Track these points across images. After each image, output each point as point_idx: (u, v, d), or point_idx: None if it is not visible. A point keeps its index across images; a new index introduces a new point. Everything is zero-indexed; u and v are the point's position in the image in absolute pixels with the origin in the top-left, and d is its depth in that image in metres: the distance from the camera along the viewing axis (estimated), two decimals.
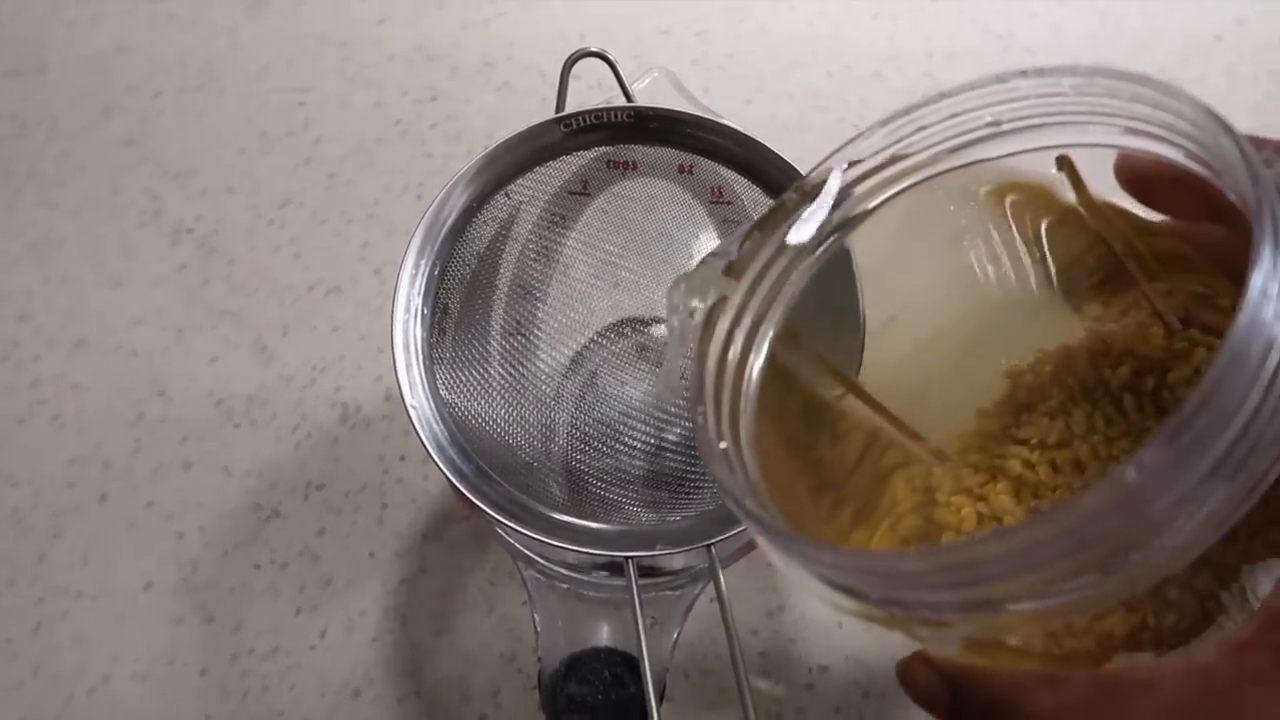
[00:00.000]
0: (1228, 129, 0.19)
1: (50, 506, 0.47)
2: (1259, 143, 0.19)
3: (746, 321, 0.26)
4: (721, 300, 0.26)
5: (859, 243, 0.28)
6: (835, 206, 0.27)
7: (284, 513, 0.47)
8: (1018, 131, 0.23)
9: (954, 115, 0.24)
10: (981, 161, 0.25)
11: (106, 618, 0.45)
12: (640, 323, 0.41)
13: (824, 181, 0.27)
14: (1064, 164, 0.23)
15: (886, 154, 0.26)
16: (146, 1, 0.60)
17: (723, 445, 0.23)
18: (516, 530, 0.31)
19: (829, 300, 0.30)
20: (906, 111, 0.25)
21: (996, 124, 0.24)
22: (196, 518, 0.47)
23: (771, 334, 0.26)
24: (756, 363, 0.26)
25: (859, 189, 0.27)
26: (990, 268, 0.27)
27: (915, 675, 0.22)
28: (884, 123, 0.25)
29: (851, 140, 0.26)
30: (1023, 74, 0.22)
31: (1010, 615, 0.18)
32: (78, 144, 0.56)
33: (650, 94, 0.41)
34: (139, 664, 0.44)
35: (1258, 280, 0.16)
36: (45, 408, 0.49)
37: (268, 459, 0.48)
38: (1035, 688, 0.20)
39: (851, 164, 0.26)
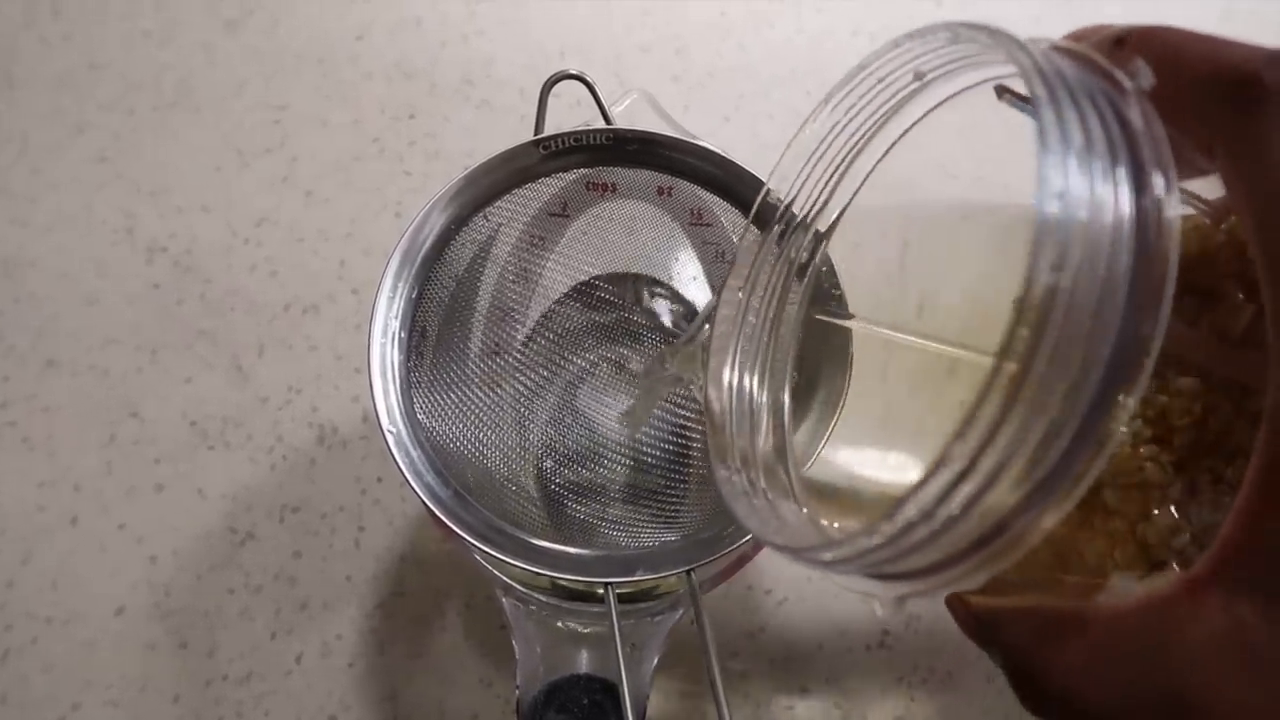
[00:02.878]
0: (1015, 41, 0.19)
1: (19, 530, 0.46)
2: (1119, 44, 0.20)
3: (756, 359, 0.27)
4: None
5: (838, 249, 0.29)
6: (796, 228, 0.28)
7: (259, 535, 0.47)
8: (943, 77, 0.23)
9: (881, 79, 0.24)
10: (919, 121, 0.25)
11: (77, 644, 0.45)
12: (620, 345, 0.41)
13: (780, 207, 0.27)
14: (1002, 92, 0.23)
15: (832, 152, 0.26)
16: (120, 18, 0.59)
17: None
18: (494, 556, 0.31)
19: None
20: (842, 85, 0.25)
21: (921, 75, 0.24)
22: (169, 541, 0.47)
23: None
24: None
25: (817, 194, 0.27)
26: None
27: (954, 609, 0.23)
28: (825, 102, 0.25)
29: (797, 135, 0.26)
30: (907, 35, 0.22)
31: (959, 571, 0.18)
32: (49, 161, 0.55)
33: (629, 115, 0.41)
34: (110, 691, 0.44)
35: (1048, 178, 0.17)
36: (14, 429, 0.48)
37: (243, 481, 0.48)
38: (1013, 620, 0.21)
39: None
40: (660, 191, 0.39)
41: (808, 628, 0.46)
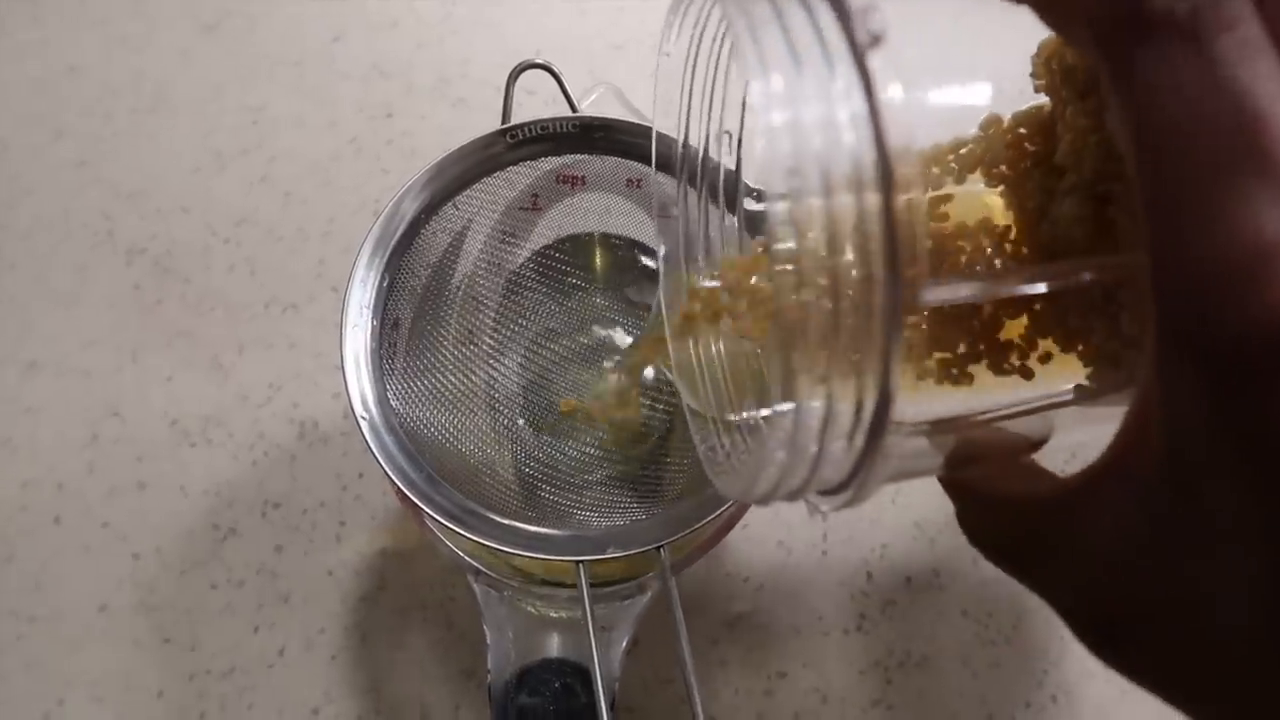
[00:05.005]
0: None
1: (2, 530, 0.47)
2: None
3: None
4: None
5: None
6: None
7: (241, 531, 0.47)
8: None
9: None
10: None
11: (61, 641, 0.45)
12: (590, 329, 0.41)
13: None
14: None
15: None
16: (97, 23, 0.60)
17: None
18: (466, 537, 0.31)
19: None
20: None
21: None
22: (152, 538, 0.47)
23: None
24: None
25: None
26: None
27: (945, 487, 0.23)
28: (670, 25, 0.24)
29: (658, 65, 0.25)
30: None
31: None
32: (28, 166, 0.55)
33: (598, 108, 0.42)
34: (95, 688, 0.44)
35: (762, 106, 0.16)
36: None
37: (224, 478, 0.48)
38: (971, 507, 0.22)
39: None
40: (629, 183, 0.40)
41: (785, 613, 0.46)
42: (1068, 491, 0.18)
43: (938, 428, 0.21)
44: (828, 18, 0.17)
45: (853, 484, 0.19)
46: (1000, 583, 0.47)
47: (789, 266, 0.17)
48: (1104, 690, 0.45)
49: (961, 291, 0.19)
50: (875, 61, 0.16)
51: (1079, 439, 0.20)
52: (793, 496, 0.20)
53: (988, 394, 0.20)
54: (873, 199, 0.16)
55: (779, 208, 0.16)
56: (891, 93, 0.16)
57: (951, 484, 0.22)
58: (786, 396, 0.17)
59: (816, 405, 0.17)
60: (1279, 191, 0.14)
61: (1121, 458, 0.17)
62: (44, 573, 0.46)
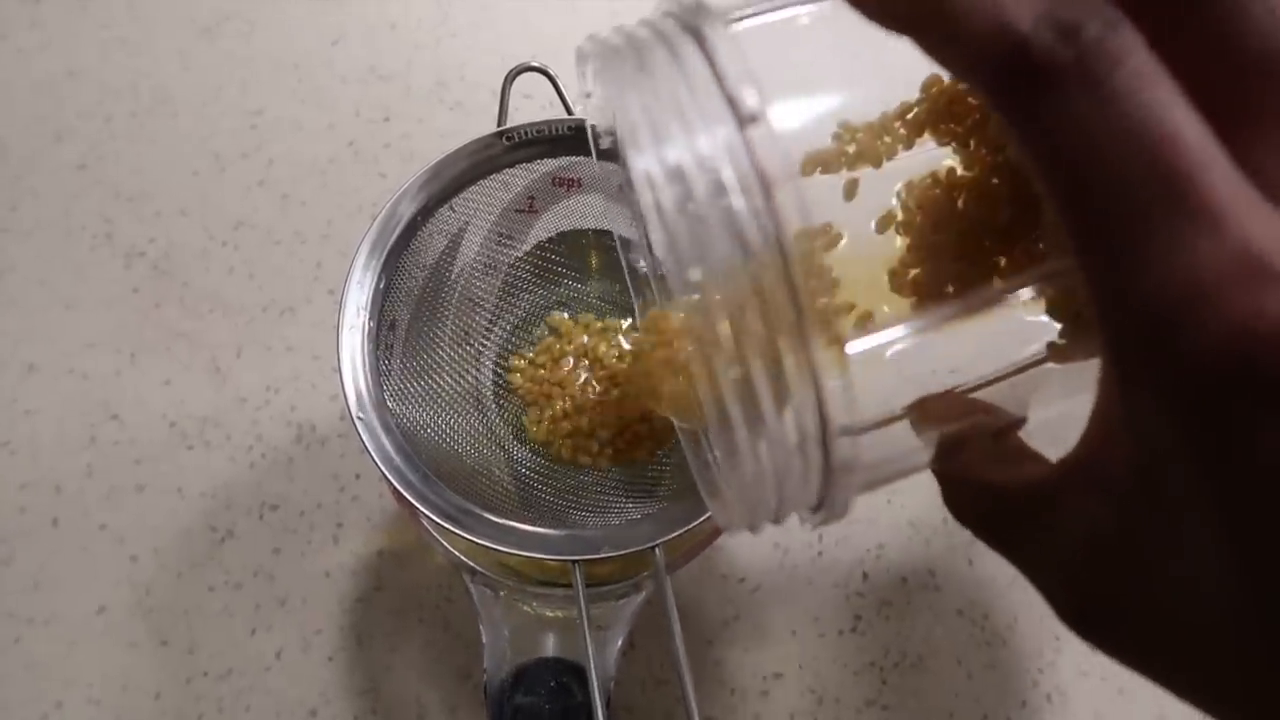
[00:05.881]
0: None
1: (0, 532, 0.47)
2: None
3: None
4: None
5: None
6: None
7: (238, 533, 0.47)
8: None
9: None
10: None
11: (58, 643, 0.45)
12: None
13: None
14: None
15: None
16: (97, 27, 0.60)
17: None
18: (462, 537, 0.31)
19: None
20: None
21: None
22: (150, 540, 0.47)
23: None
24: None
25: None
26: None
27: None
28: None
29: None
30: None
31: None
32: (28, 168, 0.55)
33: None
34: (92, 689, 0.44)
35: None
36: None
37: (222, 480, 0.48)
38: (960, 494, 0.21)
39: None
40: (623, 187, 0.40)
41: (781, 614, 0.46)
42: (1047, 480, 0.19)
43: (909, 413, 0.21)
44: (707, 91, 0.17)
45: (825, 501, 0.19)
46: (996, 583, 0.47)
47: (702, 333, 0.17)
48: (1099, 690, 0.45)
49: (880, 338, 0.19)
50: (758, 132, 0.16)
51: (1060, 412, 0.21)
52: (776, 519, 0.20)
53: (958, 349, 0.21)
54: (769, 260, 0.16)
55: (680, 293, 0.17)
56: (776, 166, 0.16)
57: (937, 470, 0.22)
58: (721, 434, 0.18)
59: (745, 436, 0.18)
60: (1204, 221, 0.14)
61: (1093, 454, 0.18)
62: (42, 574, 0.46)
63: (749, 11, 0.20)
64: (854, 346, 0.19)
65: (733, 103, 0.17)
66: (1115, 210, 0.14)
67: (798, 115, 0.20)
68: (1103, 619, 0.18)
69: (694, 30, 0.18)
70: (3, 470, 0.48)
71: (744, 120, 0.16)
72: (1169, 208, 0.14)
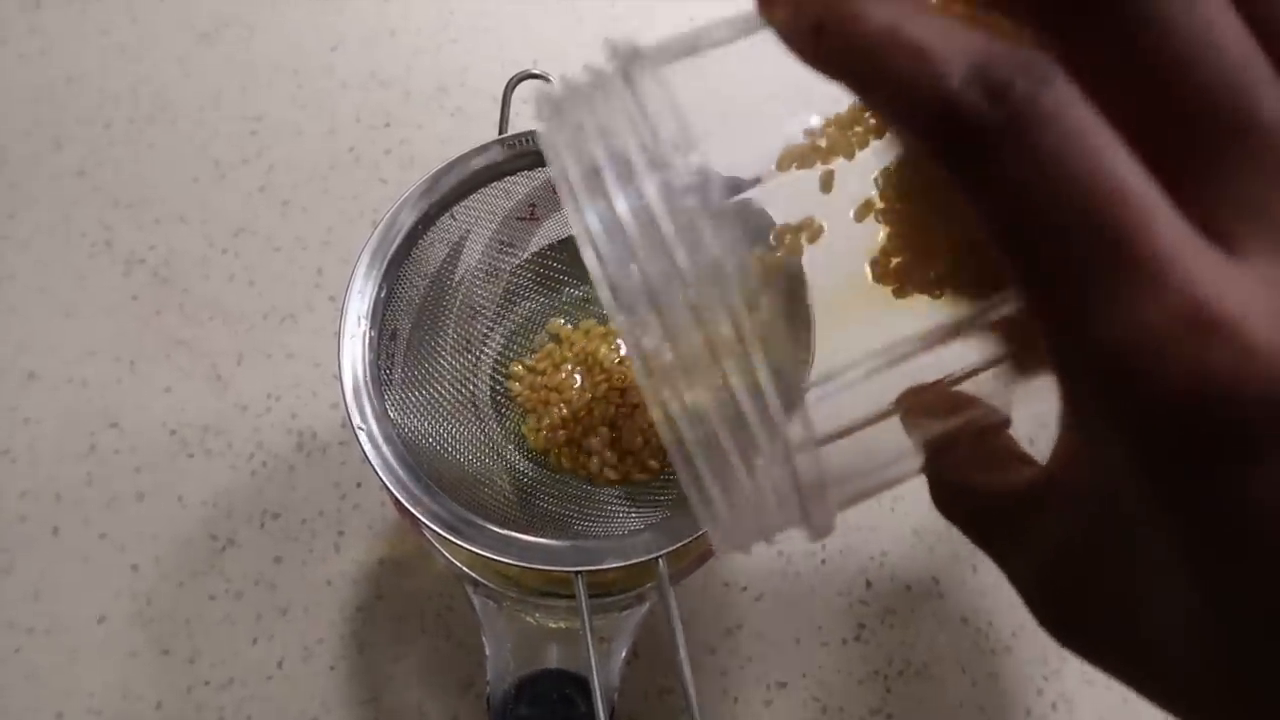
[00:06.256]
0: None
1: (1, 541, 0.46)
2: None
3: None
4: None
5: None
6: None
7: (239, 542, 0.47)
8: None
9: None
10: None
11: (59, 653, 0.45)
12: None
13: None
14: None
15: None
16: (97, 33, 0.60)
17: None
18: (464, 548, 0.31)
19: None
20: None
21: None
22: (151, 549, 0.47)
23: None
24: None
25: None
26: None
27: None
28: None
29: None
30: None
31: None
32: (27, 175, 0.55)
33: None
34: (93, 699, 0.44)
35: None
36: None
37: (223, 488, 0.48)
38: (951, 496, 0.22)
39: None
40: None
41: (784, 622, 0.46)
42: (1029, 486, 0.19)
43: (897, 406, 0.21)
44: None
45: (807, 519, 0.19)
46: (1000, 590, 0.47)
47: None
48: (1104, 698, 0.45)
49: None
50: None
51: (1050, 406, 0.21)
52: (764, 539, 0.20)
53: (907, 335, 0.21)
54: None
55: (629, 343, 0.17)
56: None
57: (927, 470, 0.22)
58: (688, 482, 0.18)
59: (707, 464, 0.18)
60: (1146, 277, 0.13)
61: (1063, 474, 0.18)
62: (42, 583, 0.46)
63: (690, 46, 0.20)
64: (812, 395, 0.19)
65: (664, 156, 0.17)
66: (1057, 269, 0.14)
67: (744, 139, 0.20)
68: (1073, 622, 0.19)
69: (630, 78, 0.18)
70: (3, 479, 0.48)
71: (684, 188, 0.16)
72: (1111, 265, 0.14)
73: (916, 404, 0.21)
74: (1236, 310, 0.13)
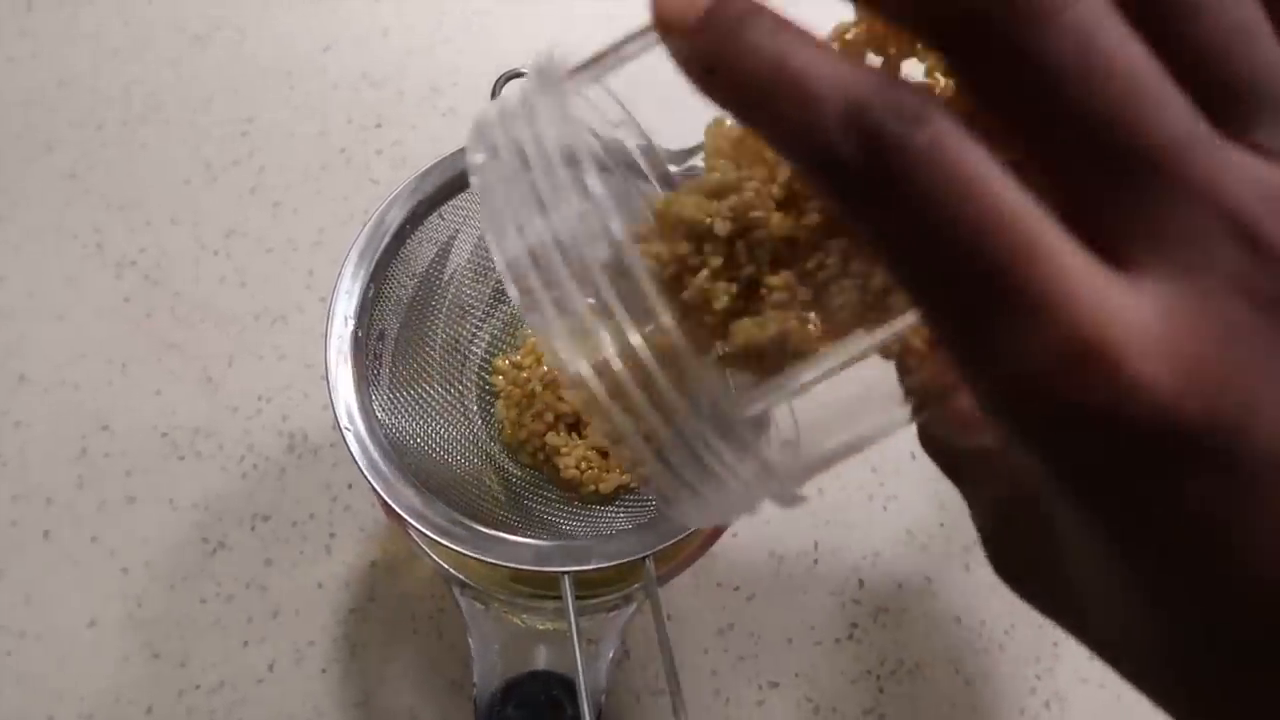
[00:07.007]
0: None
1: None
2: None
3: None
4: None
5: None
6: None
7: (230, 545, 0.47)
8: None
9: None
10: None
11: (50, 657, 0.45)
12: None
13: None
14: None
15: None
16: (88, 36, 0.60)
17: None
18: (449, 547, 0.31)
19: None
20: None
21: None
22: (141, 552, 0.47)
23: None
24: None
25: None
26: None
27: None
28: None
29: None
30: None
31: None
32: (19, 178, 0.55)
33: None
34: (84, 703, 0.44)
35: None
36: None
37: (214, 491, 0.48)
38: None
39: None
40: None
41: (776, 622, 0.46)
42: (984, 451, 0.20)
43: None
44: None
45: (773, 489, 0.19)
46: (993, 589, 0.47)
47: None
48: (1097, 696, 0.45)
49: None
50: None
51: None
52: (732, 515, 0.20)
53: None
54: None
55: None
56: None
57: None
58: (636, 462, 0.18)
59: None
60: (1028, 309, 0.13)
61: (999, 448, 0.19)
62: (33, 588, 0.46)
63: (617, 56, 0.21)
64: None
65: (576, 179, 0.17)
66: (945, 304, 0.14)
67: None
68: (1016, 572, 0.20)
69: (541, 100, 0.18)
70: None
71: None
72: (995, 298, 0.14)
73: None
74: (1120, 339, 0.13)
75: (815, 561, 0.47)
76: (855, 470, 0.49)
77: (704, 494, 0.18)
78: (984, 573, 0.49)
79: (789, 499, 0.19)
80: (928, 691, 0.45)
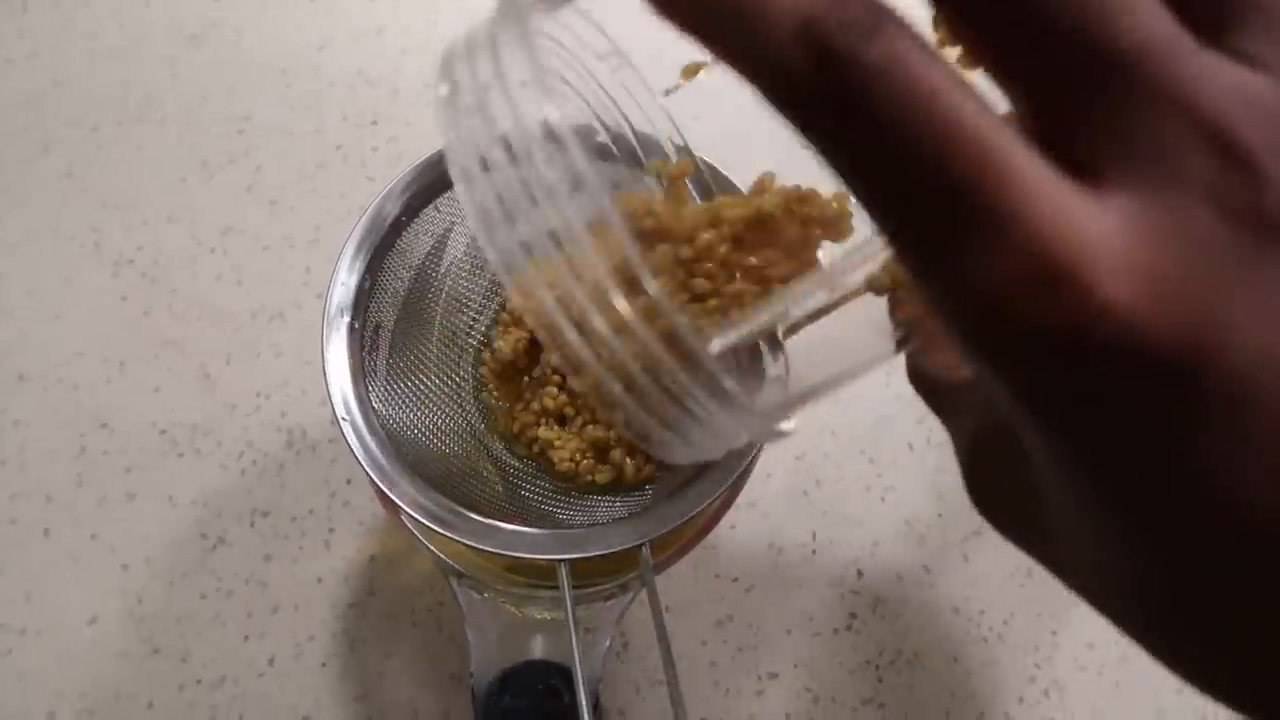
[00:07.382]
0: None
1: None
2: None
3: None
4: None
5: None
6: None
7: (230, 540, 0.47)
8: None
9: None
10: None
11: (51, 654, 0.45)
12: None
13: None
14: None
15: None
16: (84, 36, 0.60)
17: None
18: (448, 537, 0.31)
19: None
20: None
21: None
22: (141, 549, 0.47)
23: None
24: None
25: None
26: None
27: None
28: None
29: None
30: None
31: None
32: (16, 179, 0.55)
33: None
34: (85, 699, 0.44)
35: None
36: None
37: (213, 487, 0.48)
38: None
39: None
40: (613, 186, 0.39)
41: (775, 612, 0.46)
42: (962, 382, 0.20)
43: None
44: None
45: (755, 425, 0.19)
46: (991, 579, 0.47)
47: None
48: (1096, 684, 0.45)
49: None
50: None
51: None
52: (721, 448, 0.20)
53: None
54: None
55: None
56: None
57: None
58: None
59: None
60: (986, 228, 0.13)
61: (976, 378, 0.18)
62: (34, 585, 0.46)
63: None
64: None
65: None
66: (904, 222, 0.14)
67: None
68: (991, 503, 0.20)
69: (504, 32, 0.18)
70: None
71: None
72: (956, 215, 0.13)
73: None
74: (1086, 258, 0.13)
75: (814, 552, 0.47)
76: (853, 461, 0.49)
77: (680, 430, 0.18)
78: (982, 563, 0.49)
79: (769, 434, 0.19)
80: (926, 681, 0.45)
